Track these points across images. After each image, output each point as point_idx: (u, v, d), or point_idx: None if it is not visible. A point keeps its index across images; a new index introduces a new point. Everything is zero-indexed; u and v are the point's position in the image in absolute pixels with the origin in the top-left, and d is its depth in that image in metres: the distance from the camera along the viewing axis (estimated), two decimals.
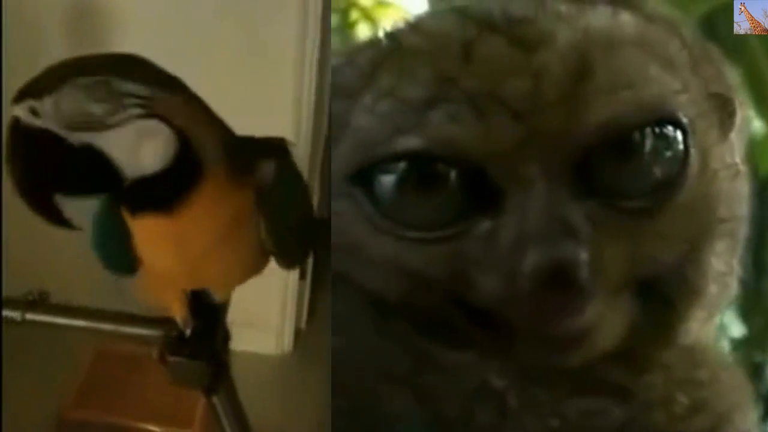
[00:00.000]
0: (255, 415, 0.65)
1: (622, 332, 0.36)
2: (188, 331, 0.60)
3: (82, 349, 1.42)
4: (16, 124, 0.40)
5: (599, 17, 0.37)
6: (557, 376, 0.35)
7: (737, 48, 0.92)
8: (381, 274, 0.36)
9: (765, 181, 0.80)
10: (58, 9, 1.34)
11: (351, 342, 0.36)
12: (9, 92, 0.40)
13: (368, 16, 1.25)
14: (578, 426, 0.35)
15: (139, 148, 0.42)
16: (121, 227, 0.48)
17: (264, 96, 1.36)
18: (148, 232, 0.47)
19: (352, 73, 0.38)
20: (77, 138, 0.40)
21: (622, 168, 0.35)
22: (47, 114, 0.40)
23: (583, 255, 0.33)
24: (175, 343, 0.59)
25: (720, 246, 0.38)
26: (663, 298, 0.36)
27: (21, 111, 0.39)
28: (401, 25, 0.40)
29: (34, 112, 0.39)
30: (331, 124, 0.39)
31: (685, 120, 0.36)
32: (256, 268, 0.58)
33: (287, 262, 0.58)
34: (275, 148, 0.56)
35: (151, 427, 1.31)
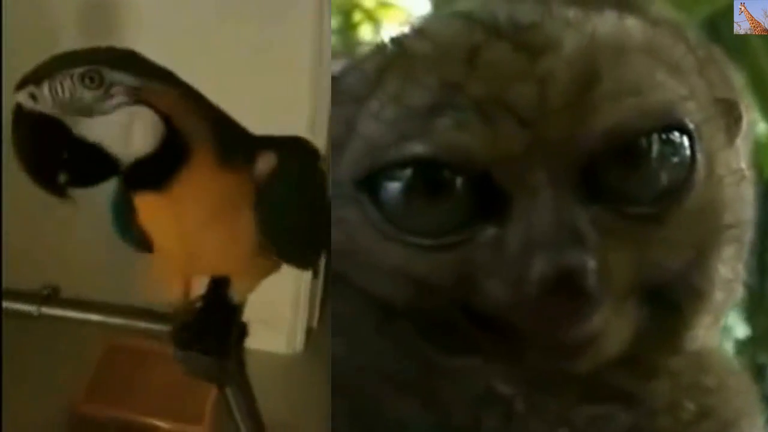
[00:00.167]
0: (265, 413, 0.66)
1: (628, 338, 0.36)
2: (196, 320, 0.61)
3: (92, 344, 1.42)
4: (18, 108, 0.44)
5: (605, 23, 0.37)
6: (564, 382, 0.35)
7: (740, 49, 0.92)
8: (387, 279, 0.36)
9: None
10: (73, 6, 1.35)
11: (357, 347, 0.36)
12: None
13: (371, 18, 1.25)
14: None
15: (130, 132, 0.45)
16: (128, 204, 0.52)
17: (277, 95, 1.35)
18: (148, 209, 0.51)
19: (358, 79, 0.38)
20: (73, 122, 0.44)
21: (628, 174, 0.35)
22: (45, 99, 0.44)
23: (591, 262, 0.33)
24: (188, 337, 0.61)
25: (726, 252, 0.38)
26: (669, 304, 0.36)
27: (22, 97, 0.44)
28: (407, 30, 0.39)
29: (33, 98, 0.43)
30: (330, 130, 0.39)
31: (691, 126, 0.36)
32: (262, 265, 0.58)
33: (293, 264, 0.58)
34: (282, 143, 0.56)
35: (160, 423, 1.30)
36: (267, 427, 0.66)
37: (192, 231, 0.52)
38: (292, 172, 0.54)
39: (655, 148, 0.35)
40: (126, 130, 0.45)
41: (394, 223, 0.36)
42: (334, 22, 1.31)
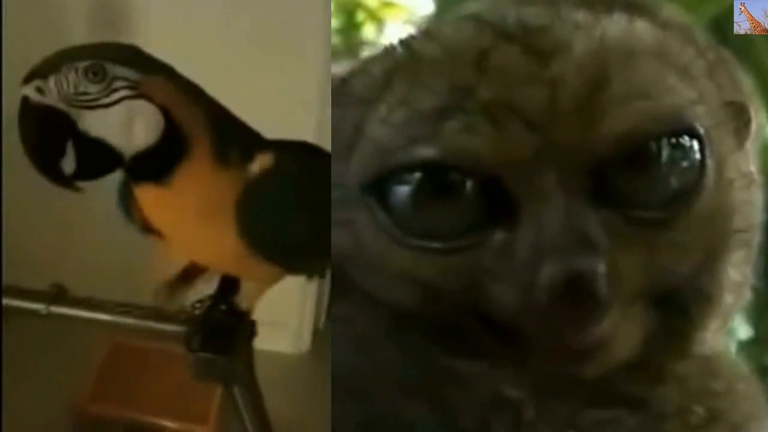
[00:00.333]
0: (271, 412, 0.66)
1: (638, 343, 0.36)
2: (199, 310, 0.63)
3: (97, 343, 1.42)
4: (26, 101, 0.45)
5: (615, 26, 0.37)
6: (573, 387, 0.35)
7: (744, 50, 0.92)
8: (395, 284, 0.36)
9: None
10: (83, 5, 1.35)
11: (365, 352, 0.36)
12: None
13: (374, 17, 1.25)
14: None
15: (131, 125, 0.47)
16: (130, 192, 0.53)
17: (286, 94, 1.35)
18: (149, 199, 0.51)
19: (366, 82, 0.38)
20: (77, 114, 0.46)
21: (638, 178, 0.35)
22: (51, 92, 0.45)
23: (600, 266, 0.33)
24: (200, 339, 0.61)
25: (736, 256, 0.38)
26: (678, 308, 0.36)
27: (29, 90, 0.45)
28: (414, 33, 0.39)
29: (40, 91, 0.45)
30: (332, 134, 0.39)
31: (701, 130, 0.36)
32: (269, 270, 0.58)
33: (282, 266, 0.58)
34: (284, 146, 0.56)
35: (166, 423, 1.30)
36: (273, 425, 0.66)
37: (188, 223, 0.52)
38: (285, 176, 0.54)
39: (665, 152, 0.35)
40: (127, 124, 0.47)
41: (403, 227, 0.36)
42: (337, 22, 1.30)
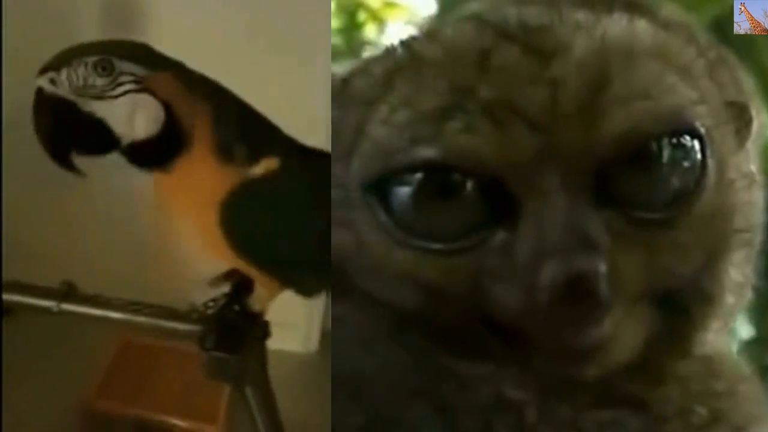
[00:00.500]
0: (280, 410, 0.67)
1: (639, 343, 0.36)
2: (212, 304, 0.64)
3: (106, 340, 1.42)
4: (40, 91, 0.48)
5: (616, 26, 0.37)
6: (575, 388, 0.35)
7: (746, 50, 0.91)
8: (397, 285, 0.36)
9: None
10: (95, 4, 1.35)
11: (367, 353, 0.36)
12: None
13: (376, 17, 1.25)
14: None
15: (134, 116, 0.50)
16: None
17: (287, 94, 1.35)
18: (155, 182, 0.54)
19: (368, 83, 0.38)
20: (85, 104, 0.49)
21: (639, 179, 0.35)
22: (63, 84, 0.48)
23: (602, 267, 0.33)
24: (215, 338, 0.62)
25: (737, 256, 0.37)
26: (680, 308, 0.36)
27: (43, 81, 0.48)
28: (416, 33, 0.39)
29: (53, 82, 0.48)
30: (333, 134, 0.39)
31: (702, 130, 0.36)
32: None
33: (283, 284, 0.59)
34: (297, 152, 0.56)
35: (175, 421, 1.30)
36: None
37: (185, 210, 0.55)
38: (285, 184, 0.54)
39: (666, 152, 0.35)
40: (130, 115, 0.50)
41: (404, 228, 0.36)
42: (339, 22, 1.30)
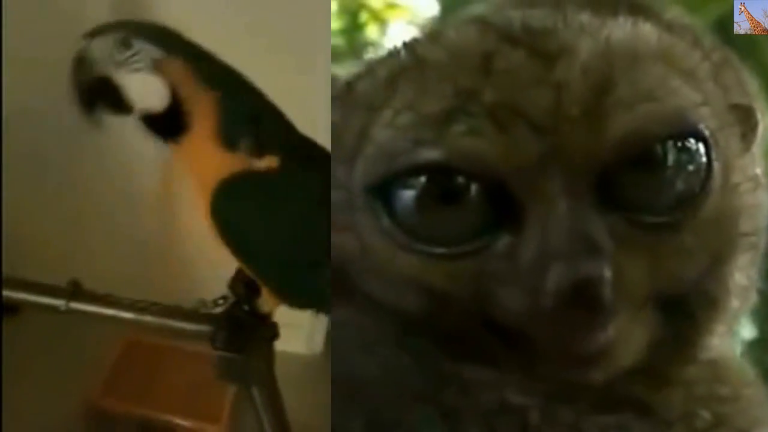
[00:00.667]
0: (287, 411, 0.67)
1: (643, 348, 0.35)
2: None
3: (111, 339, 1.41)
4: (78, 56, 0.54)
5: (620, 29, 0.37)
6: (579, 392, 0.35)
7: (748, 51, 0.91)
8: (400, 289, 0.36)
9: None
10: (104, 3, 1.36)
11: (370, 357, 0.36)
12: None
13: (378, 18, 1.25)
14: None
15: (143, 91, 0.54)
16: None
17: (288, 94, 1.34)
18: (173, 152, 0.58)
19: (371, 86, 0.38)
20: (108, 71, 0.55)
21: (644, 182, 0.35)
22: (93, 52, 0.54)
23: (607, 272, 0.33)
24: (223, 335, 0.63)
25: (742, 260, 0.37)
26: (684, 312, 0.36)
27: (81, 47, 0.54)
28: (419, 36, 0.39)
29: (87, 50, 0.54)
30: (337, 138, 0.39)
31: (707, 132, 0.36)
32: None
33: (275, 293, 0.60)
34: (301, 154, 0.56)
35: (178, 421, 1.30)
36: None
37: (191, 183, 0.56)
38: (284, 185, 0.55)
39: (671, 155, 0.35)
40: (139, 90, 0.54)
41: (408, 232, 0.36)
42: (341, 23, 1.30)
